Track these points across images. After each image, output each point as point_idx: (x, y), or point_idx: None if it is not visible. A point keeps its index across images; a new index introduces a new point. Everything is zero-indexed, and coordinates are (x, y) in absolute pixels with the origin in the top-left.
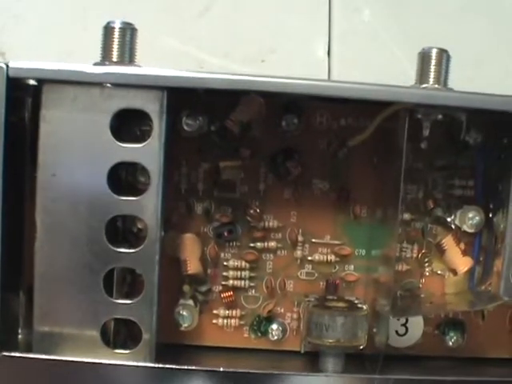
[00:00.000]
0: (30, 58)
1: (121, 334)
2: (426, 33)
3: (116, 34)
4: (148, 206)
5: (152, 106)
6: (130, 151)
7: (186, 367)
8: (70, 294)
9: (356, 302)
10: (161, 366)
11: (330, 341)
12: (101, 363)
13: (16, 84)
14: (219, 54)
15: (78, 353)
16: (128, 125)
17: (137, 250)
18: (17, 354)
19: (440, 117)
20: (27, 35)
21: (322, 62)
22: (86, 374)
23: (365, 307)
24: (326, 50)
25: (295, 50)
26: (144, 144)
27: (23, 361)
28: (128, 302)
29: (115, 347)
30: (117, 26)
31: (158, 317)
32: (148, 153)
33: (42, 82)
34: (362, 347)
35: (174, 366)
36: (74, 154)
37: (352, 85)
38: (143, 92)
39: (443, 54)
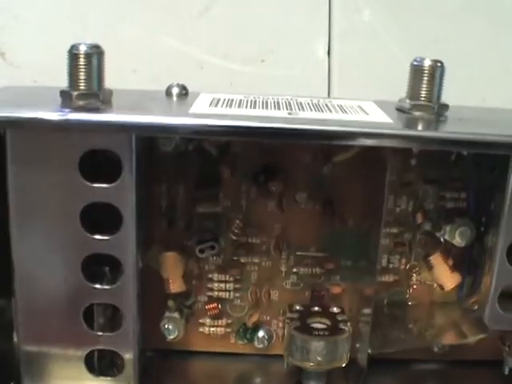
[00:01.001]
0: (29, 58)
1: (106, 358)
2: (426, 33)
3: (81, 61)
4: (122, 245)
5: (120, 147)
6: (101, 191)
7: None
8: (53, 328)
9: (339, 318)
10: None
11: (311, 364)
12: None
13: None
14: (219, 54)
15: (65, 381)
16: (105, 160)
17: (113, 286)
18: None
19: None
20: (27, 35)
21: (321, 62)
22: None
23: (347, 328)
24: (326, 49)
25: (295, 50)
26: (114, 184)
27: None
28: (108, 334)
29: (100, 372)
30: (82, 51)
31: (140, 346)
32: (119, 193)
33: (7, 129)
34: (344, 365)
35: None
36: (46, 197)
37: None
38: (110, 134)
39: (437, 66)
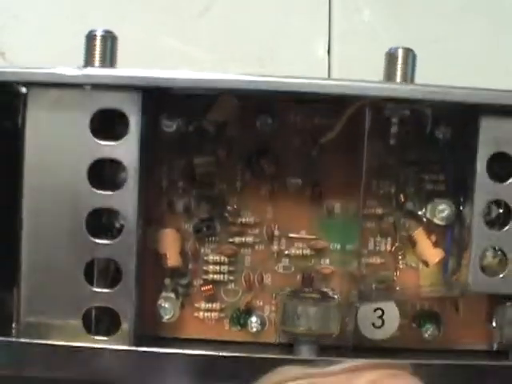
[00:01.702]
0: (29, 58)
1: (104, 322)
2: (426, 33)
3: (98, 42)
4: (125, 200)
5: (128, 105)
6: (109, 148)
7: (163, 351)
8: (54, 283)
9: (330, 293)
10: (135, 348)
11: (302, 329)
12: (80, 346)
13: (9, 90)
14: (219, 54)
15: (61, 339)
16: (112, 127)
17: (115, 241)
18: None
19: (407, 112)
20: (27, 35)
21: (321, 62)
22: (66, 357)
23: (336, 297)
24: (326, 49)
25: (295, 50)
26: (121, 141)
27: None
28: (107, 290)
29: (97, 334)
30: (98, 33)
31: (137, 305)
32: (124, 149)
33: (28, 86)
34: (334, 335)
35: (146, 349)
36: (57, 152)
37: (314, 81)
38: (120, 93)
39: (409, 53)
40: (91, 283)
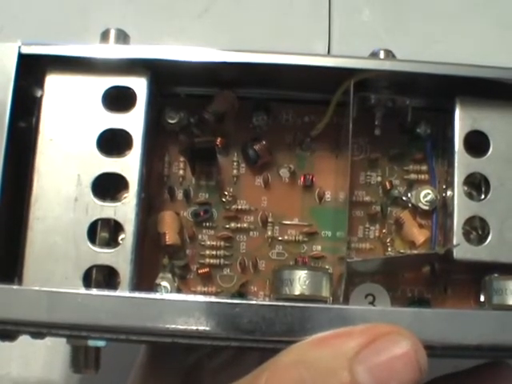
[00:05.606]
0: None
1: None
2: (426, 33)
3: (111, 38)
4: (130, 166)
5: (138, 83)
6: (118, 119)
7: (160, 297)
8: (58, 242)
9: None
10: (133, 295)
11: (296, 294)
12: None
13: (26, 94)
14: None
15: None
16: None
17: (118, 203)
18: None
19: (390, 104)
20: (27, 35)
21: None
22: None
23: (327, 267)
24: (326, 50)
25: (295, 50)
26: (129, 113)
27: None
28: (108, 250)
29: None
30: (112, 30)
31: (136, 265)
32: (132, 121)
33: (46, 66)
34: (327, 301)
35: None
36: (70, 122)
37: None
38: (131, 70)
39: (389, 54)
40: (93, 243)
